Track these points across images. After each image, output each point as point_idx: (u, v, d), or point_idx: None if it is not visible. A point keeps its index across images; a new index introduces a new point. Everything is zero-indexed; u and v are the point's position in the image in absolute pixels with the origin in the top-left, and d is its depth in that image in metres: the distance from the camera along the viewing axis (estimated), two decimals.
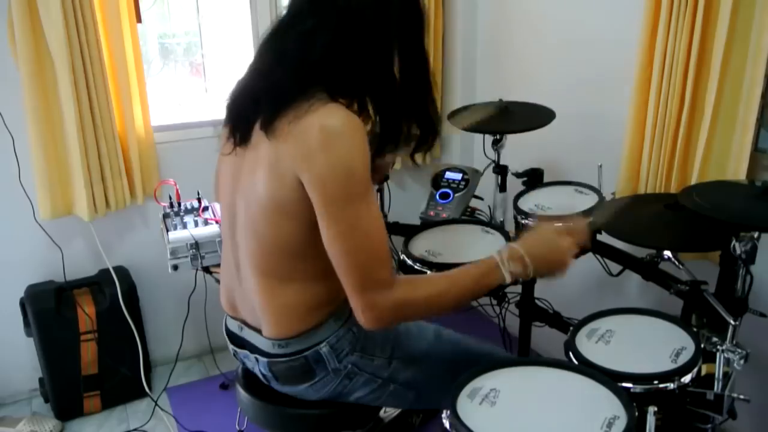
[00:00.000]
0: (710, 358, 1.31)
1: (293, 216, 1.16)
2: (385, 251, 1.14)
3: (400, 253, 1.67)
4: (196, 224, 1.97)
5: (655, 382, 1.20)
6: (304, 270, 1.24)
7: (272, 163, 1.15)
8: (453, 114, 2.11)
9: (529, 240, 1.28)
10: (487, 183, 2.16)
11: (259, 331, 1.32)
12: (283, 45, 1.19)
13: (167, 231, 1.94)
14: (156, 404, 2.35)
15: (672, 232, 1.41)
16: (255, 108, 1.20)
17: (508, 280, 1.22)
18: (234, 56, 2.66)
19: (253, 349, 1.35)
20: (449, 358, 1.42)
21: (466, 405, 1.12)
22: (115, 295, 2.26)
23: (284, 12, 1.22)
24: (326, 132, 1.09)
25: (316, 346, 1.27)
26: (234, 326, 1.40)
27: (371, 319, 1.13)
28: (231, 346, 1.43)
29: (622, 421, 1.06)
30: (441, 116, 1.16)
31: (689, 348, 1.29)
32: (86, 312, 2.22)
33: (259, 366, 1.36)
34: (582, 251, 1.35)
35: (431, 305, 1.18)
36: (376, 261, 1.12)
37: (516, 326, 2.12)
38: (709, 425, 1.35)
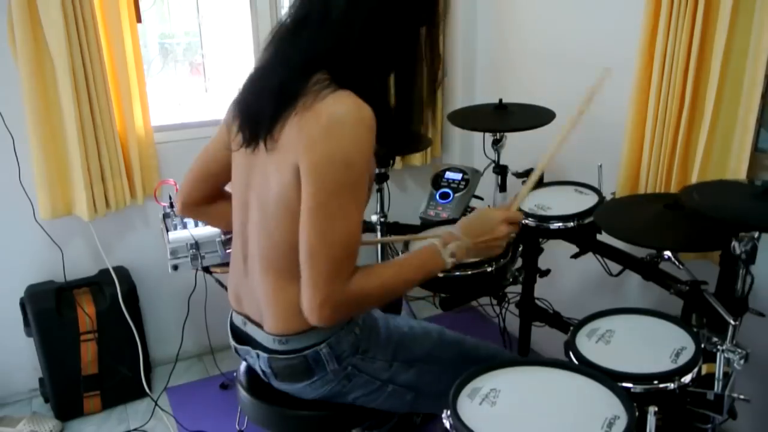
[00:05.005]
0: (710, 358, 1.31)
1: (297, 214, 1.14)
2: (358, 246, 1.13)
3: (400, 252, 1.66)
4: (196, 224, 1.97)
5: (655, 382, 1.20)
6: None
7: (280, 160, 1.14)
8: (453, 114, 2.12)
9: (469, 226, 1.28)
10: (487, 183, 2.16)
11: (260, 326, 1.32)
12: (286, 41, 1.18)
13: (167, 231, 1.94)
14: (156, 404, 2.35)
15: (672, 232, 1.41)
16: (262, 109, 1.18)
17: (449, 265, 1.23)
18: (234, 56, 2.66)
19: (255, 344, 1.35)
20: (451, 359, 1.41)
21: (466, 405, 1.12)
22: (115, 295, 2.26)
23: (288, 9, 1.20)
24: (330, 119, 1.07)
25: (316, 347, 1.27)
26: (239, 321, 1.40)
27: (328, 313, 1.11)
28: (233, 343, 1.42)
29: (622, 421, 1.06)
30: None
31: (689, 348, 1.29)
32: (86, 312, 2.22)
33: (259, 362, 1.35)
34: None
35: (381, 295, 1.19)
36: (349, 255, 1.11)
37: (516, 326, 2.12)
38: (709, 425, 1.35)
